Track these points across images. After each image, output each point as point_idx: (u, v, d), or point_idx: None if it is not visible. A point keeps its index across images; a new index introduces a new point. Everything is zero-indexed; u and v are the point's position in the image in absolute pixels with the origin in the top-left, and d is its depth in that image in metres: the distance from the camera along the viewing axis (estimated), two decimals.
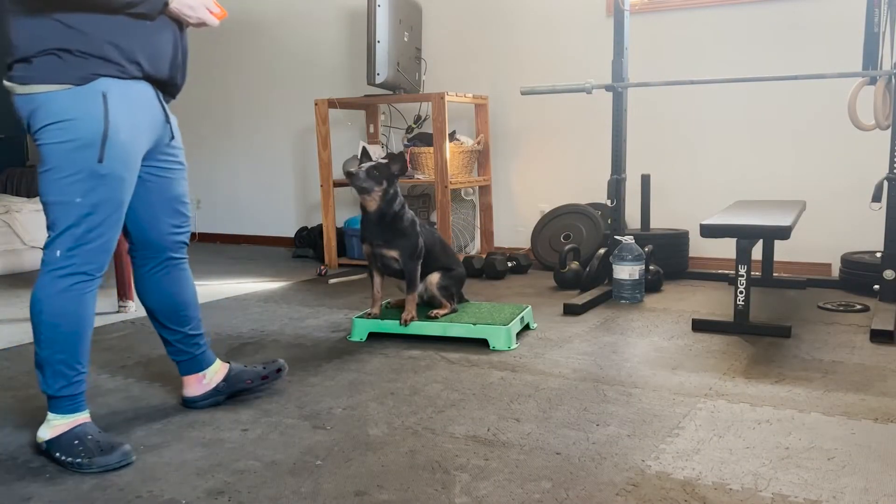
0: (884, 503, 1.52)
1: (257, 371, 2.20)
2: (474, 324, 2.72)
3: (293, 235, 5.28)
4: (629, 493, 1.58)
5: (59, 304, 1.76)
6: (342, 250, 4.65)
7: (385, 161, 2.73)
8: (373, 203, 2.71)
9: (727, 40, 3.95)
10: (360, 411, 2.09)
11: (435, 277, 2.89)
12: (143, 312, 3.42)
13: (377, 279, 2.88)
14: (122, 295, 3.47)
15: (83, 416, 1.84)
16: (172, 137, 1.96)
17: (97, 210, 1.76)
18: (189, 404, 2.15)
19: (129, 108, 1.78)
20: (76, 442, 1.77)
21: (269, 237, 5.62)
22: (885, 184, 3.08)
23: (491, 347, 2.68)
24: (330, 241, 4.52)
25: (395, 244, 2.75)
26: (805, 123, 3.81)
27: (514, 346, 2.70)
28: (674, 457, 1.75)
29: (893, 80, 3.04)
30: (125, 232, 1.98)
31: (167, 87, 1.91)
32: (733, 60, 3.93)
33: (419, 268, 2.81)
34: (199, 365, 2.12)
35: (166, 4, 1.79)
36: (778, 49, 3.83)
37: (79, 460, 1.74)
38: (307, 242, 5.00)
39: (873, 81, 3.09)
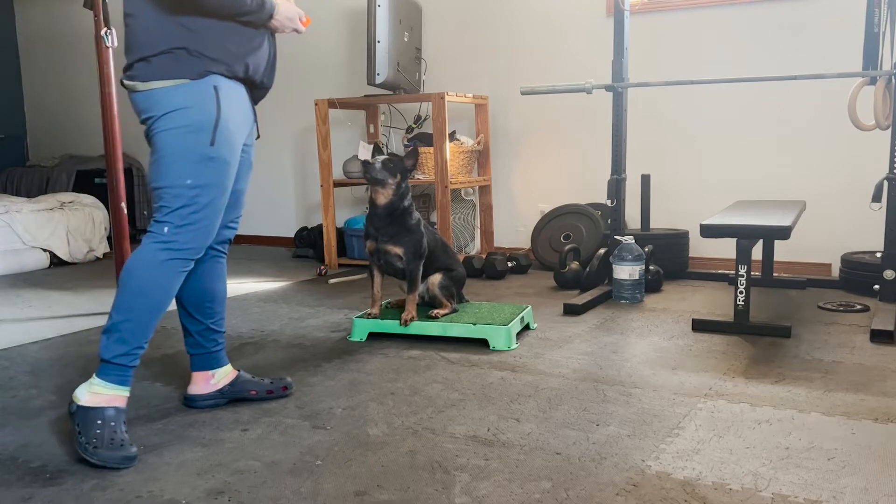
0: (884, 503, 1.52)
1: (264, 384, 2.21)
2: (474, 324, 2.72)
3: (293, 235, 5.28)
4: (629, 493, 1.58)
5: (152, 274, 1.84)
6: (342, 250, 4.65)
7: (399, 155, 2.77)
8: (384, 197, 2.73)
9: (727, 40, 3.95)
10: (360, 411, 2.09)
11: (436, 277, 2.89)
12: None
13: (377, 278, 2.88)
14: None
15: (122, 394, 1.85)
16: (258, 136, 2.13)
17: (205, 192, 1.86)
18: (190, 402, 2.15)
19: (235, 102, 1.92)
20: (99, 422, 1.79)
21: (269, 237, 5.62)
22: (885, 184, 3.08)
23: (491, 347, 2.68)
24: (330, 241, 4.52)
25: (401, 241, 2.75)
26: (805, 123, 3.81)
27: (514, 346, 2.70)
28: (674, 457, 1.75)
29: (893, 80, 3.04)
30: None
31: (258, 89, 2.04)
32: (733, 60, 3.93)
33: (421, 268, 2.81)
34: (211, 363, 2.15)
35: (271, 17, 1.95)
36: (778, 49, 3.83)
37: (86, 441, 1.77)
38: (307, 242, 5.00)
39: (873, 81, 3.09)
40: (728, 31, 3.94)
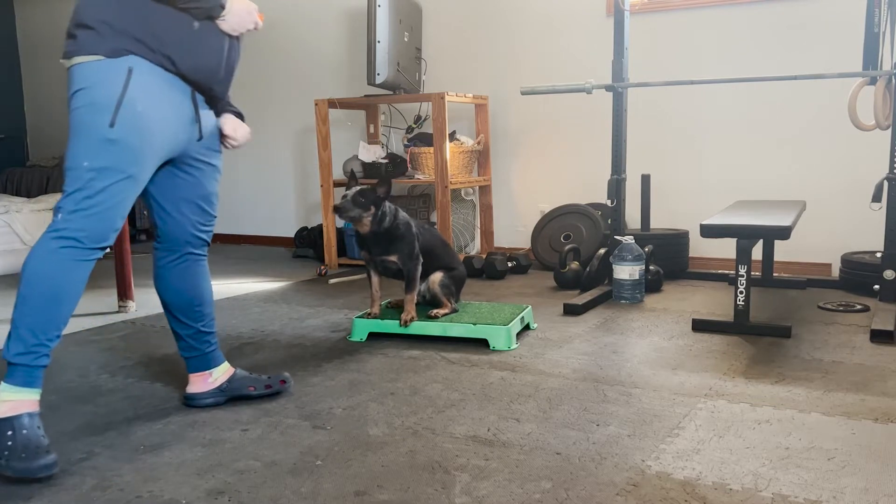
0: (884, 503, 1.52)
1: (262, 380, 2.20)
2: (474, 324, 2.72)
3: (293, 235, 5.28)
4: (629, 493, 1.58)
5: (42, 264, 1.73)
6: (342, 250, 4.65)
7: (369, 187, 2.70)
8: (364, 227, 2.72)
9: (727, 40, 3.95)
10: (360, 411, 2.09)
11: (437, 276, 2.89)
12: (143, 312, 3.42)
13: (375, 279, 2.88)
14: (122, 295, 3.46)
15: (32, 397, 1.74)
16: (200, 138, 1.97)
17: (101, 176, 1.75)
18: (190, 401, 2.15)
19: (155, 89, 1.80)
20: (9, 433, 1.69)
21: (269, 237, 5.62)
22: (885, 184, 3.08)
23: (491, 347, 2.68)
24: (330, 241, 4.52)
25: (394, 250, 2.76)
26: (805, 123, 3.81)
27: (514, 346, 2.70)
28: (674, 457, 1.75)
29: (893, 80, 3.04)
30: (153, 223, 2.05)
31: (202, 92, 1.94)
32: (733, 60, 3.93)
33: (419, 268, 2.81)
34: (207, 363, 2.14)
35: (222, 7, 1.84)
36: (778, 49, 3.83)
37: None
38: (307, 242, 5.00)
39: (873, 81, 3.09)
40: (728, 31, 3.94)
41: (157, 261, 2.08)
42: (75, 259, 1.76)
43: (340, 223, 4.80)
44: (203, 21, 1.84)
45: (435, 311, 2.85)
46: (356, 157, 4.55)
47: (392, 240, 2.75)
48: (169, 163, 1.96)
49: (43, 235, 1.76)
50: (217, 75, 1.92)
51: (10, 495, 1.65)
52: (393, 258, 2.77)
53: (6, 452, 1.67)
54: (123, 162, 1.77)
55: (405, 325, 2.77)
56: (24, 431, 1.70)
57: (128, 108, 1.75)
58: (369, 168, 4.45)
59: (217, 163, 2.07)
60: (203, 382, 2.15)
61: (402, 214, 2.81)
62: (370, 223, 2.70)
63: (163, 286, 2.09)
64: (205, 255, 2.12)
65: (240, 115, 2.14)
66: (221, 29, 1.88)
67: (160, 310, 3.45)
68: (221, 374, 2.17)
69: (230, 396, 2.17)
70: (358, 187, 2.70)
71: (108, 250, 1.93)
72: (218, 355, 2.17)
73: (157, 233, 2.07)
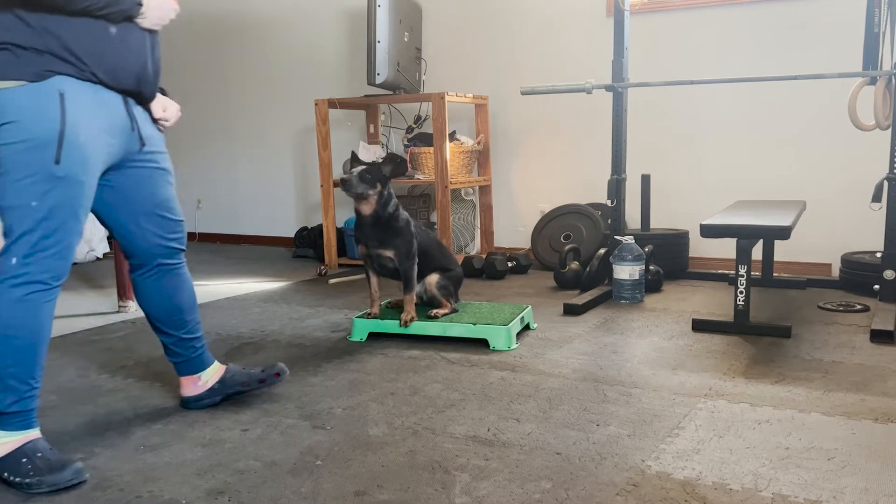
0: (884, 503, 1.52)
1: (254, 374, 2.17)
2: (474, 324, 2.72)
3: (293, 235, 5.28)
4: (629, 493, 1.58)
5: (12, 314, 1.65)
6: (342, 250, 4.65)
7: (376, 163, 2.74)
8: (368, 207, 2.71)
9: (727, 40, 3.95)
10: (360, 411, 2.09)
11: (433, 278, 2.89)
12: (142, 313, 3.42)
13: (374, 279, 2.88)
14: (122, 295, 3.46)
15: (33, 433, 1.74)
16: (143, 145, 1.87)
17: (53, 215, 1.66)
18: (185, 405, 2.16)
19: (89, 110, 1.69)
20: (24, 460, 1.68)
21: (269, 237, 5.62)
22: (885, 184, 3.08)
23: (491, 347, 2.68)
24: (330, 241, 4.52)
25: (390, 244, 2.76)
26: (805, 123, 3.81)
27: (514, 346, 2.70)
28: (674, 457, 1.75)
29: (893, 80, 3.04)
30: (119, 243, 2.00)
31: (133, 96, 1.82)
32: (733, 60, 3.93)
33: (416, 267, 2.81)
34: (194, 367, 2.12)
35: (139, 4, 1.72)
36: (778, 49, 3.83)
37: (28, 480, 1.66)
38: (307, 242, 5.00)
39: (873, 81, 3.09)
40: (728, 31, 3.94)
41: (132, 274, 2.01)
42: (44, 301, 1.70)
43: (340, 223, 4.80)
44: (120, 24, 1.72)
45: (435, 311, 2.85)
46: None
47: (391, 232, 2.74)
48: (113, 177, 1.85)
49: None
50: (145, 77, 1.81)
51: (11, 495, 1.65)
52: (389, 253, 2.76)
53: (31, 473, 1.67)
54: (74, 196, 1.69)
55: (405, 325, 2.77)
56: (39, 454, 1.70)
57: (71, 140, 1.65)
58: None
59: (165, 165, 1.95)
60: (193, 386, 2.13)
61: (405, 212, 2.82)
62: (375, 202, 2.69)
63: (140, 298, 2.03)
64: (180, 263, 2.04)
65: (163, 92, 1.99)
66: (143, 27, 1.77)
67: None
68: (211, 375, 2.14)
69: (224, 395, 2.16)
70: (363, 166, 2.70)
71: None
72: (206, 358, 2.14)
73: (123, 251, 1.98)
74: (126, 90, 1.78)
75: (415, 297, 2.85)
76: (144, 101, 1.87)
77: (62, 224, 1.68)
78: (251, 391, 2.19)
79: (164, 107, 1.96)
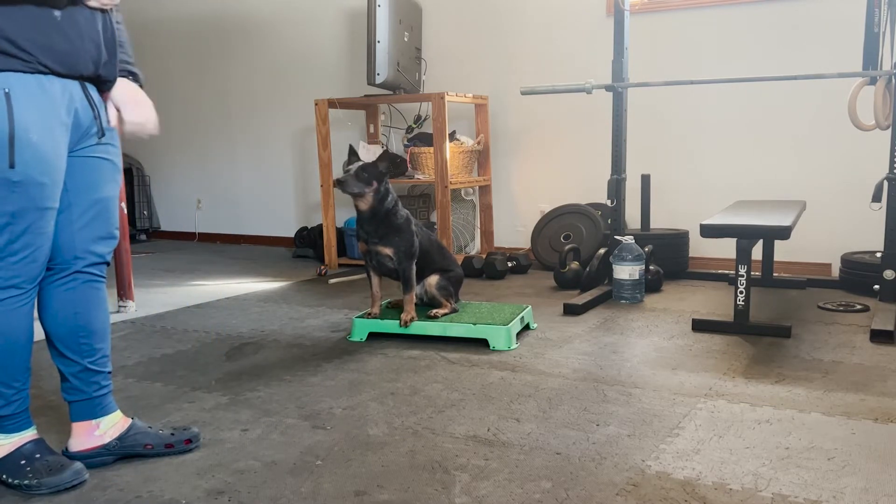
0: (884, 503, 1.52)
1: (162, 436, 1.85)
2: (474, 324, 2.72)
3: (293, 235, 5.28)
4: (629, 493, 1.58)
5: None
6: (342, 250, 4.65)
7: (371, 161, 2.73)
8: (365, 203, 2.72)
9: (727, 40, 3.95)
10: (360, 411, 2.09)
11: (433, 279, 2.89)
12: (143, 312, 3.42)
13: (375, 279, 2.88)
14: (122, 295, 3.47)
15: (30, 434, 1.71)
16: (102, 135, 1.72)
17: (18, 219, 1.58)
18: (73, 459, 1.77)
19: (40, 105, 1.57)
20: (23, 462, 1.66)
21: (269, 237, 5.62)
22: (885, 184, 3.08)
23: (491, 347, 2.68)
24: (330, 241, 4.52)
25: (390, 241, 2.75)
26: (805, 123, 3.81)
27: (514, 346, 2.70)
28: (674, 457, 1.75)
29: (893, 80, 3.04)
30: None
31: (92, 82, 1.68)
32: (733, 60, 3.93)
33: (414, 267, 2.81)
34: (93, 410, 1.81)
35: None
36: (778, 49, 3.83)
37: (27, 482, 1.64)
38: (307, 242, 5.00)
39: (873, 81, 3.09)
40: (728, 31, 3.94)
41: (42, 281, 1.73)
42: (20, 305, 1.64)
43: (340, 223, 4.80)
44: (65, 8, 1.57)
45: (435, 311, 2.85)
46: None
47: (390, 228, 2.74)
48: None
49: None
50: (99, 59, 1.65)
51: (11, 495, 1.65)
52: (388, 251, 2.75)
53: (31, 475, 1.65)
54: (36, 198, 1.59)
55: (405, 325, 2.77)
56: (38, 456, 1.69)
57: (23, 141, 1.54)
58: None
59: (115, 159, 1.77)
60: (87, 435, 1.79)
61: (405, 210, 2.82)
62: (372, 198, 2.69)
63: (44, 312, 1.75)
64: (100, 278, 1.80)
65: (135, 77, 1.79)
66: (89, 6, 1.61)
67: (160, 310, 3.46)
68: (111, 426, 1.82)
69: (121, 456, 1.82)
70: (360, 163, 2.71)
71: None
72: (108, 402, 1.83)
73: None
74: (84, 76, 1.64)
75: (414, 297, 2.85)
76: (102, 86, 1.71)
77: (29, 227, 1.60)
78: (153, 455, 1.84)
79: (123, 100, 1.72)
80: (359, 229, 2.81)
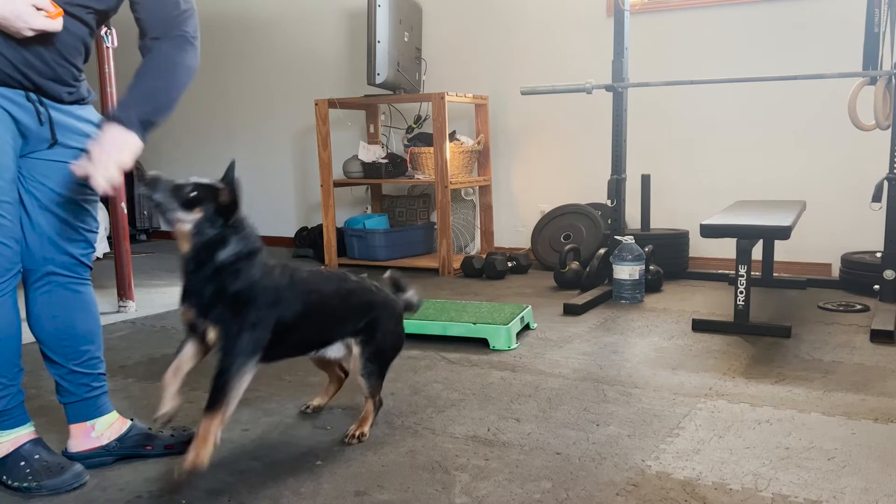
0: (884, 503, 1.52)
1: (162, 438, 1.85)
2: (474, 323, 2.72)
3: (293, 235, 5.28)
4: (629, 493, 1.58)
5: None
6: (342, 250, 4.64)
7: (208, 182, 1.73)
8: (183, 242, 1.66)
9: (727, 40, 3.95)
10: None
11: (356, 354, 1.89)
12: (143, 312, 3.42)
13: (185, 352, 1.73)
14: (122, 295, 3.47)
15: (27, 432, 1.70)
16: (56, 142, 1.65)
17: None
18: (72, 460, 1.76)
19: None
20: (22, 464, 1.65)
21: (269, 237, 5.62)
22: (885, 184, 3.08)
23: (491, 347, 2.68)
24: (330, 241, 4.52)
25: (217, 314, 1.64)
26: (805, 123, 3.81)
27: (514, 345, 2.70)
28: (674, 457, 1.75)
29: (893, 80, 3.04)
30: None
31: (37, 92, 1.61)
32: (733, 60, 3.93)
33: (244, 374, 1.65)
34: (88, 411, 1.79)
35: None
36: (778, 49, 3.83)
37: (26, 484, 1.63)
38: (307, 242, 5.00)
39: (873, 81, 3.09)
40: (728, 31, 3.94)
41: (24, 287, 1.72)
42: None
43: (340, 223, 4.79)
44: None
45: (353, 428, 1.90)
46: (356, 157, 4.55)
47: (221, 289, 1.64)
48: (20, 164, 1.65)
49: None
50: (41, 69, 1.57)
51: (11, 495, 1.65)
52: (211, 332, 1.64)
53: (30, 478, 1.65)
54: None
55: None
56: (37, 456, 1.68)
57: None
58: (369, 168, 4.45)
59: (73, 160, 1.66)
60: (84, 437, 1.79)
61: (265, 260, 1.74)
62: (190, 237, 1.64)
63: (27, 315, 1.72)
64: (80, 280, 1.75)
65: (141, 128, 1.69)
66: (25, 35, 1.51)
67: (160, 310, 3.46)
68: (108, 426, 1.81)
69: (120, 456, 1.81)
70: (196, 180, 1.70)
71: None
72: (103, 403, 1.82)
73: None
74: (24, 86, 1.57)
75: (220, 421, 1.62)
76: (54, 98, 1.63)
77: None
78: (154, 456, 1.82)
79: (94, 148, 1.57)
80: (182, 278, 1.70)
